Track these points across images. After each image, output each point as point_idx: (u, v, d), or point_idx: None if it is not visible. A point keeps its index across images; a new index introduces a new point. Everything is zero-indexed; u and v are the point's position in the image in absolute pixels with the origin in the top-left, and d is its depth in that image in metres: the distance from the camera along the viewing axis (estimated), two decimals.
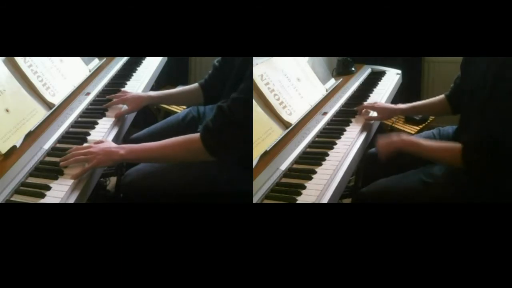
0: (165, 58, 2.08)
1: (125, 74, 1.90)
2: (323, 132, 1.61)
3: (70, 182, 1.21)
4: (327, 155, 1.43)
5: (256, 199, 1.23)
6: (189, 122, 1.72)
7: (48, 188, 1.19)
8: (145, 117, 2.27)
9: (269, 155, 1.43)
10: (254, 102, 1.44)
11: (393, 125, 2.39)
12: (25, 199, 1.16)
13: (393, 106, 1.75)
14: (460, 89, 1.53)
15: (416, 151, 1.39)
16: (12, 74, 1.50)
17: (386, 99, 1.91)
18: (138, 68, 1.95)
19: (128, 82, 1.83)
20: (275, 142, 1.49)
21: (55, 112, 1.55)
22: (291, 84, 1.75)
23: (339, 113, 1.75)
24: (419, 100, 1.86)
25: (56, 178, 1.22)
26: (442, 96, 1.69)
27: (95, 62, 1.95)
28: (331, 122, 1.69)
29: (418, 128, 2.35)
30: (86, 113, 1.59)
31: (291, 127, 1.60)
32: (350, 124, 1.64)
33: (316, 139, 1.57)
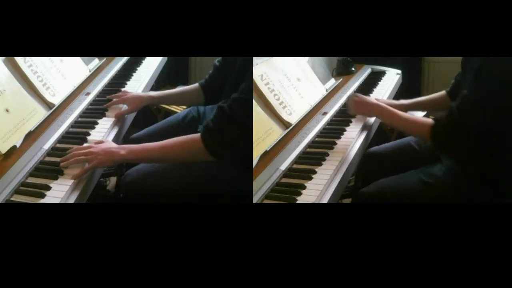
0: (165, 58, 2.08)
1: (125, 74, 1.90)
2: (323, 132, 1.61)
3: (70, 182, 1.21)
4: (327, 155, 1.43)
5: (256, 199, 1.23)
6: (189, 122, 1.72)
7: (48, 188, 1.19)
8: (145, 117, 2.27)
9: (269, 155, 1.43)
10: (254, 102, 1.44)
11: None
12: (25, 199, 1.16)
13: (396, 102, 1.77)
14: (460, 85, 1.53)
15: (389, 120, 1.50)
16: (12, 74, 1.50)
17: (387, 96, 1.91)
18: (138, 68, 1.95)
19: (128, 82, 1.83)
20: (275, 142, 1.49)
21: (55, 112, 1.55)
22: (291, 84, 1.75)
23: (339, 113, 1.75)
24: (418, 95, 1.86)
25: (56, 178, 1.22)
26: (443, 92, 1.69)
27: (95, 62, 1.95)
28: (331, 122, 1.69)
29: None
30: (86, 113, 1.59)
31: (291, 127, 1.60)
32: (350, 124, 1.64)
33: (316, 139, 1.57)
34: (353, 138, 1.53)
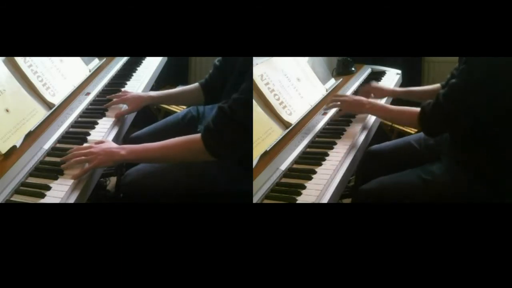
0: (165, 58, 2.08)
1: (125, 74, 1.90)
2: (323, 132, 1.61)
3: (70, 182, 1.21)
4: (327, 155, 1.43)
5: (256, 199, 1.23)
6: (189, 122, 1.72)
7: (48, 188, 1.19)
8: (145, 117, 2.27)
9: (269, 155, 1.43)
10: (254, 102, 1.44)
11: (393, 124, 2.39)
12: (25, 199, 1.15)
13: (386, 87, 1.90)
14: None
15: (381, 115, 1.65)
16: (12, 74, 1.50)
17: (386, 99, 1.91)
18: (138, 68, 1.95)
19: (128, 82, 1.83)
20: (275, 142, 1.49)
21: (55, 112, 1.55)
22: (291, 84, 1.75)
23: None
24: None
25: (56, 178, 1.22)
26: (438, 85, 1.71)
27: (95, 62, 1.95)
28: (331, 122, 1.69)
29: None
30: (86, 113, 1.59)
31: (291, 127, 1.60)
32: (350, 124, 1.64)
33: (316, 139, 1.57)
34: (353, 138, 1.53)
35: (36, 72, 1.60)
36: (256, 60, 1.61)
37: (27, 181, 1.23)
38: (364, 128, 1.61)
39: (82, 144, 1.39)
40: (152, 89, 1.93)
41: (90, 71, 1.87)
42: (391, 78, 2.17)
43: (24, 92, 1.50)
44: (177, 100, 1.91)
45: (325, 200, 1.22)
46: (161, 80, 2.18)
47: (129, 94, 1.65)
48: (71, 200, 1.18)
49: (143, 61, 2.02)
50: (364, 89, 1.86)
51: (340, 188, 1.30)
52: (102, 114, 1.57)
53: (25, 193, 1.18)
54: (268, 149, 1.45)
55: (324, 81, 1.96)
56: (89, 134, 1.45)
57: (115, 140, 1.46)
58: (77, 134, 1.46)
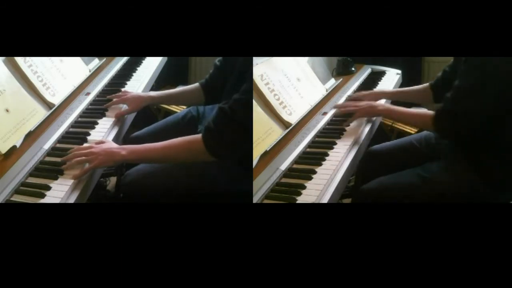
0: (165, 58, 2.08)
1: (125, 74, 1.89)
2: (323, 132, 1.61)
3: (70, 182, 1.21)
4: (327, 155, 1.43)
5: (256, 199, 1.23)
6: (189, 122, 1.72)
7: (48, 188, 1.19)
8: (145, 117, 2.27)
9: (269, 155, 1.43)
10: (254, 102, 1.44)
11: (393, 124, 2.39)
12: (25, 199, 1.15)
13: (377, 90, 1.93)
14: (446, 77, 1.61)
15: (394, 117, 1.67)
16: (12, 74, 1.50)
17: (384, 100, 1.91)
18: (138, 68, 1.95)
19: (128, 82, 1.83)
20: (275, 142, 1.49)
21: (55, 112, 1.55)
22: (291, 84, 1.75)
23: (340, 115, 1.75)
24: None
25: (56, 178, 1.22)
26: (426, 84, 1.75)
27: (95, 62, 1.95)
28: (331, 122, 1.69)
29: (419, 128, 2.35)
30: (86, 113, 1.59)
31: (291, 127, 1.60)
32: (350, 124, 1.64)
33: (316, 139, 1.57)
34: (353, 138, 1.53)
35: (36, 72, 1.60)
36: (256, 60, 1.61)
37: (27, 181, 1.23)
38: (364, 128, 1.61)
39: (82, 144, 1.39)
40: (152, 89, 1.93)
41: (90, 71, 1.87)
42: (391, 78, 2.17)
43: (24, 92, 1.50)
44: (177, 100, 1.91)
45: (325, 200, 1.22)
46: (161, 80, 2.18)
47: (129, 94, 1.65)
48: (71, 200, 1.18)
49: (143, 61, 2.02)
50: (352, 97, 1.85)
51: (340, 188, 1.30)
52: (102, 114, 1.56)
53: (25, 193, 1.17)
54: (268, 149, 1.45)
55: (324, 81, 1.96)
56: (89, 134, 1.45)
57: (115, 140, 1.46)
58: (77, 134, 1.46)
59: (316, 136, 1.58)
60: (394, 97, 1.87)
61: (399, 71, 2.23)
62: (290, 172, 1.37)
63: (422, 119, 1.47)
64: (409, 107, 1.73)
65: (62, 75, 1.71)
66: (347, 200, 1.96)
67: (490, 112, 1.32)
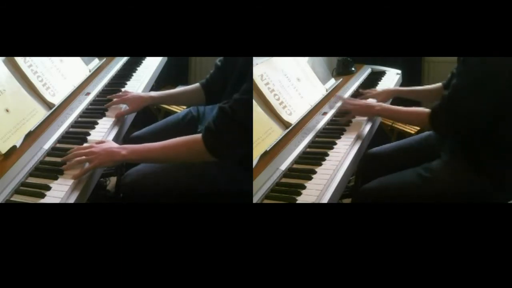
0: (165, 58, 2.08)
1: (125, 74, 1.90)
2: (323, 132, 1.61)
3: (70, 182, 1.21)
4: (327, 155, 1.43)
5: (256, 199, 1.23)
6: (189, 122, 1.72)
7: (48, 188, 1.19)
8: (145, 117, 2.27)
9: (269, 155, 1.43)
10: (254, 102, 1.44)
11: (393, 125, 2.39)
12: (25, 199, 1.15)
13: (390, 88, 1.94)
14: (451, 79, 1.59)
15: (391, 115, 1.71)
16: (12, 74, 1.50)
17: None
18: (138, 68, 1.95)
19: (128, 82, 1.83)
20: (275, 142, 1.49)
21: (55, 112, 1.55)
22: (291, 84, 1.75)
23: (338, 113, 1.75)
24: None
25: (56, 178, 1.22)
26: (439, 84, 1.76)
27: (95, 62, 1.95)
28: (331, 122, 1.69)
29: (418, 128, 2.35)
30: (86, 113, 1.59)
31: (291, 127, 1.60)
32: (350, 124, 1.64)
33: (316, 139, 1.57)
34: (353, 138, 1.53)
35: (36, 72, 1.60)
36: (256, 60, 1.61)
37: (27, 181, 1.23)
38: (364, 128, 1.61)
39: (82, 144, 1.39)
40: (152, 89, 1.93)
41: (90, 71, 1.87)
42: (391, 78, 2.17)
43: (24, 92, 1.50)
44: (177, 100, 1.91)
45: (325, 200, 1.22)
46: (161, 80, 2.18)
47: (130, 94, 1.65)
48: (71, 200, 1.18)
49: (143, 61, 2.02)
50: (366, 94, 1.89)
51: (340, 188, 1.30)
52: (102, 114, 1.57)
53: (25, 193, 1.17)
54: (268, 149, 1.45)
55: (324, 81, 1.96)
56: (89, 134, 1.45)
57: (115, 140, 1.46)
58: (77, 134, 1.46)
59: (316, 136, 1.58)
60: (407, 95, 1.89)
61: (399, 71, 2.23)
62: (290, 172, 1.37)
63: (418, 117, 1.49)
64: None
65: (62, 75, 1.71)
66: (347, 200, 1.96)
67: (488, 111, 1.32)
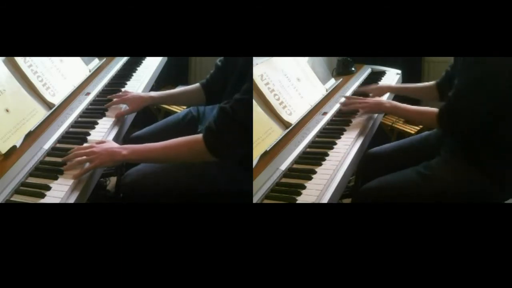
0: (165, 58, 2.08)
1: (125, 74, 1.90)
2: (323, 132, 1.61)
3: (70, 182, 1.21)
4: (327, 155, 1.43)
5: (256, 199, 1.23)
6: (189, 122, 1.72)
7: (48, 188, 1.19)
8: (145, 117, 2.27)
9: (269, 155, 1.43)
10: (254, 102, 1.44)
11: (393, 125, 2.39)
12: (25, 199, 1.15)
13: (383, 85, 1.98)
14: (449, 76, 1.62)
15: (400, 113, 1.71)
16: (12, 74, 1.50)
17: (386, 98, 1.91)
18: (138, 68, 1.95)
19: (128, 82, 1.83)
20: (275, 142, 1.49)
21: (55, 112, 1.55)
22: (291, 84, 1.75)
23: (339, 113, 1.75)
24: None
25: (56, 178, 1.22)
26: (432, 82, 1.77)
27: (95, 62, 1.95)
28: (331, 122, 1.69)
29: (418, 128, 2.35)
30: (86, 113, 1.59)
31: (291, 127, 1.60)
32: (350, 124, 1.64)
33: (316, 139, 1.57)
34: (353, 138, 1.53)
35: (36, 72, 1.60)
36: (256, 60, 1.61)
37: (27, 181, 1.23)
38: (364, 128, 1.61)
39: (82, 144, 1.39)
40: (152, 89, 1.93)
41: (90, 71, 1.87)
42: (391, 78, 2.17)
43: (24, 92, 1.50)
44: (178, 100, 1.91)
45: (325, 200, 1.22)
46: (161, 80, 2.18)
47: (130, 94, 1.65)
48: (71, 200, 1.18)
49: (143, 61, 2.02)
50: (365, 89, 1.90)
51: (340, 188, 1.30)
52: (102, 114, 1.57)
53: (25, 193, 1.17)
54: (268, 149, 1.45)
55: (324, 81, 1.96)
56: (89, 134, 1.45)
57: (115, 140, 1.46)
58: (77, 134, 1.46)
59: (316, 136, 1.58)
60: (400, 92, 1.91)
61: (399, 71, 2.23)
62: (290, 172, 1.37)
63: (427, 116, 1.49)
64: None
65: (62, 75, 1.71)
66: (347, 200, 1.96)
67: (488, 110, 1.34)
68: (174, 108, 2.49)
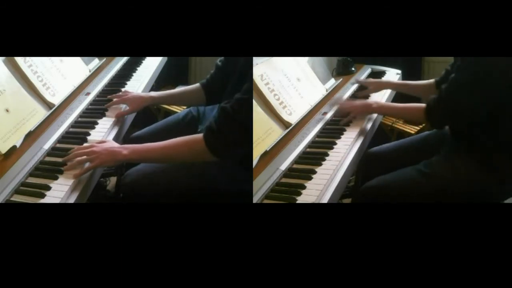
0: (165, 58, 2.08)
1: (125, 74, 1.90)
2: (323, 132, 1.61)
3: (70, 182, 1.21)
4: (327, 155, 1.43)
5: (256, 199, 1.23)
6: (189, 122, 1.72)
7: (48, 188, 1.19)
8: (145, 117, 2.27)
9: (269, 155, 1.43)
10: (254, 102, 1.44)
11: (393, 124, 2.39)
12: (25, 199, 1.15)
13: (382, 80, 2.04)
14: (449, 75, 1.59)
15: (389, 112, 1.77)
16: (12, 74, 1.50)
17: (386, 99, 1.91)
18: (138, 68, 1.95)
19: (128, 82, 1.83)
20: (275, 142, 1.49)
21: (55, 112, 1.55)
22: (291, 84, 1.75)
23: (337, 116, 1.75)
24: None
25: (56, 178, 1.22)
26: (432, 80, 1.78)
27: (95, 62, 1.95)
28: (331, 122, 1.69)
29: (418, 128, 2.35)
30: (86, 113, 1.59)
31: (291, 127, 1.60)
32: (350, 124, 1.64)
33: (316, 139, 1.57)
34: (353, 138, 1.53)
35: (36, 72, 1.60)
36: (256, 60, 1.61)
37: (27, 181, 1.23)
38: (364, 128, 1.62)
39: (82, 144, 1.39)
40: (152, 89, 1.93)
41: (90, 71, 1.87)
42: (391, 78, 2.17)
43: (24, 92, 1.50)
44: (178, 101, 1.91)
45: (325, 200, 1.22)
46: (161, 80, 2.18)
47: (130, 94, 1.65)
48: (71, 200, 1.18)
49: (143, 61, 2.02)
50: (361, 94, 1.92)
51: (340, 188, 1.30)
52: (102, 114, 1.57)
53: (25, 193, 1.17)
54: (268, 149, 1.45)
55: (324, 81, 1.96)
56: (89, 134, 1.45)
57: (115, 140, 1.46)
58: (77, 134, 1.46)
59: (316, 136, 1.58)
60: (399, 89, 1.93)
61: (399, 71, 2.23)
62: (290, 172, 1.37)
63: (415, 112, 1.51)
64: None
65: (62, 75, 1.71)
66: (347, 200, 1.96)
67: (485, 106, 1.34)
68: (174, 108, 2.49)
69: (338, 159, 1.40)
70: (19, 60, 1.56)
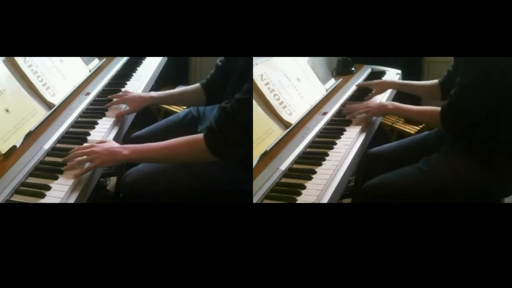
0: (165, 58, 2.08)
1: (125, 74, 1.90)
2: (323, 132, 1.61)
3: (70, 182, 1.21)
4: (327, 155, 1.43)
5: (256, 199, 1.23)
6: (189, 122, 1.72)
7: (48, 188, 1.19)
8: (145, 117, 2.27)
9: (269, 155, 1.43)
10: (254, 102, 1.44)
11: (393, 124, 2.39)
12: (25, 199, 1.15)
13: (387, 80, 2.03)
14: (452, 75, 1.63)
15: (404, 114, 1.75)
16: (12, 74, 1.50)
17: (386, 99, 1.91)
18: (138, 68, 1.95)
19: (128, 82, 1.83)
20: (275, 142, 1.49)
21: (55, 112, 1.55)
22: (291, 84, 1.75)
23: (339, 113, 1.75)
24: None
25: (56, 178, 1.22)
26: (436, 80, 1.78)
27: (95, 62, 1.95)
28: (331, 122, 1.69)
29: (418, 128, 2.35)
30: (86, 113, 1.59)
31: (291, 127, 1.60)
32: (350, 124, 1.64)
33: (316, 139, 1.57)
34: (353, 138, 1.53)
35: (36, 72, 1.60)
36: (256, 60, 1.61)
37: (27, 181, 1.23)
38: (364, 128, 1.62)
39: (82, 144, 1.39)
40: (152, 89, 1.93)
41: (90, 71, 1.87)
42: (391, 78, 2.17)
43: (24, 92, 1.50)
44: (178, 100, 1.91)
45: (325, 200, 1.22)
46: (161, 80, 2.18)
47: (130, 94, 1.65)
48: (71, 200, 1.18)
49: (143, 61, 2.02)
50: (369, 97, 1.90)
51: (340, 188, 1.30)
52: (102, 114, 1.57)
53: (25, 193, 1.17)
54: (268, 149, 1.45)
55: (324, 81, 1.96)
56: (89, 134, 1.45)
57: (115, 140, 1.46)
58: (77, 134, 1.46)
59: (316, 136, 1.58)
60: (402, 89, 1.92)
61: (399, 71, 2.23)
62: (290, 172, 1.37)
63: (430, 116, 1.51)
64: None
65: (62, 75, 1.71)
66: (347, 200, 1.96)
67: (490, 107, 1.35)
68: (174, 108, 2.49)
69: (338, 159, 1.40)
70: (19, 60, 1.56)
